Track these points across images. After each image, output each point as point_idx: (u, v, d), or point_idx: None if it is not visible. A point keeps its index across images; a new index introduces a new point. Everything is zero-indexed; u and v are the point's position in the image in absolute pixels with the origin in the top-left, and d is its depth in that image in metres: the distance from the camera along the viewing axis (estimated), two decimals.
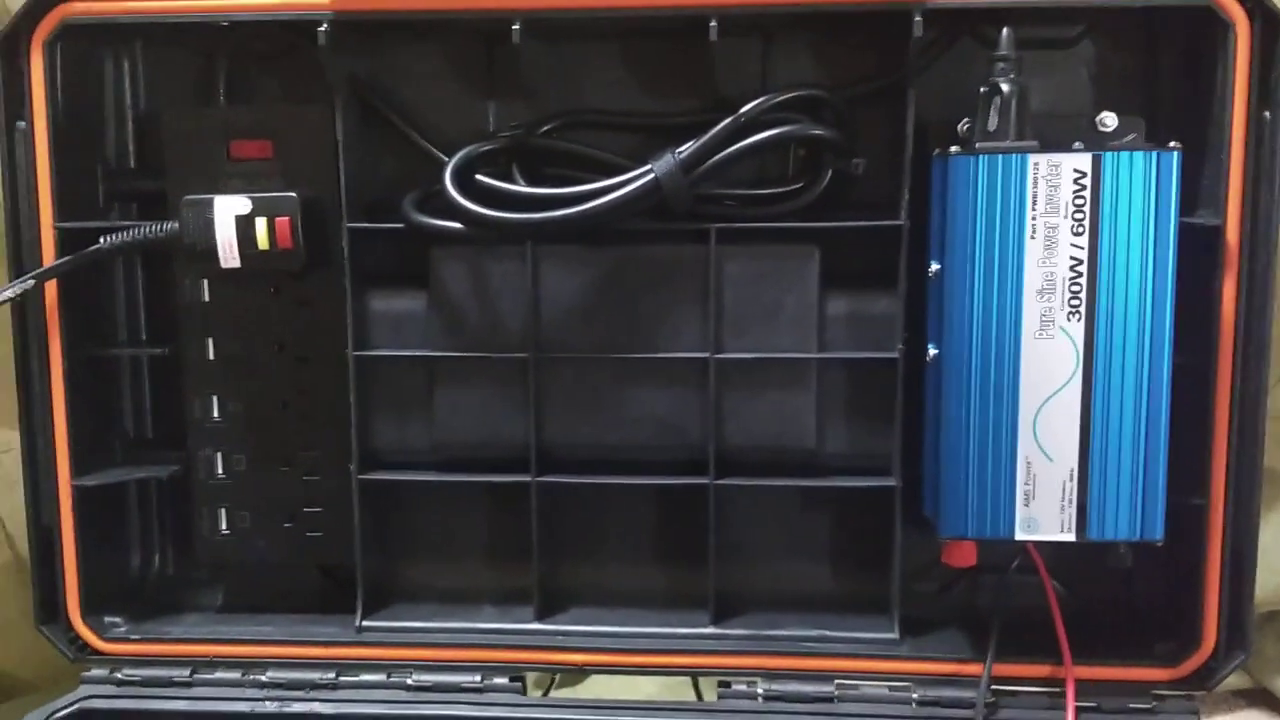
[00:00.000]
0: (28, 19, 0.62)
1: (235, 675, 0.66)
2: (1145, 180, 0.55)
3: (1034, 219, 0.55)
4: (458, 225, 0.62)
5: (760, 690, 0.63)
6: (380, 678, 0.65)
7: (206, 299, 0.67)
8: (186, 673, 0.66)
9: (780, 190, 0.63)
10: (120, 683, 0.66)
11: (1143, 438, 0.56)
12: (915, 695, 0.62)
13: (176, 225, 0.63)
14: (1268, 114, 0.57)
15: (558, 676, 0.76)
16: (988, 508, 0.57)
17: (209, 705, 0.65)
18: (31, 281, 0.63)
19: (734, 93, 0.61)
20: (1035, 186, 0.55)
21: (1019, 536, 0.58)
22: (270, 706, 0.65)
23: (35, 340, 0.64)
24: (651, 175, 0.59)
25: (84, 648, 0.67)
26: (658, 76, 0.65)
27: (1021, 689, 0.62)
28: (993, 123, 0.56)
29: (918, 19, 0.57)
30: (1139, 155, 0.55)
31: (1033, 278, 0.56)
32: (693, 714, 0.64)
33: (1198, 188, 0.59)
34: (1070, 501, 0.57)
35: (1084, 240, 0.55)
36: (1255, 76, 0.57)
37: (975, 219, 0.56)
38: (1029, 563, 0.62)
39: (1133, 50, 0.63)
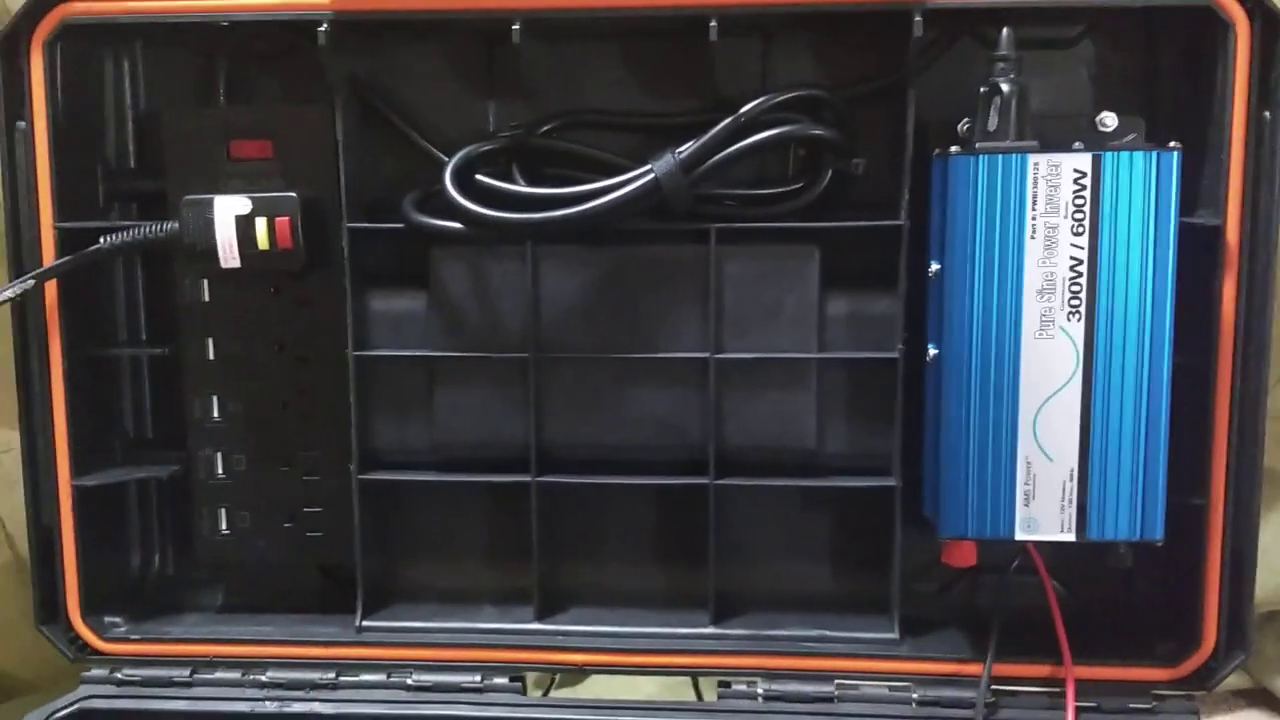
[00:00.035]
0: (28, 19, 0.62)
1: (235, 675, 0.66)
2: (1145, 180, 0.55)
3: (1034, 219, 0.55)
4: (458, 225, 0.62)
5: (760, 690, 0.63)
6: (380, 678, 0.65)
7: (206, 299, 0.67)
8: (186, 673, 0.66)
9: (780, 190, 0.63)
10: (120, 683, 0.66)
11: (1143, 438, 0.56)
12: (915, 695, 0.62)
13: (176, 225, 0.63)
14: (1268, 114, 0.57)
15: (558, 676, 0.76)
16: (988, 508, 0.57)
17: (209, 705, 0.65)
18: (31, 281, 0.63)
19: (734, 93, 0.61)
20: (1035, 186, 0.55)
21: (1019, 536, 0.58)
22: (270, 706, 0.65)
23: (35, 340, 0.64)
24: (651, 175, 0.59)
25: (84, 648, 0.67)
26: (658, 76, 0.65)
27: (1021, 689, 0.62)
28: (993, 123, 0.56)
29: (918, 19, 0.57)
30: (1139, 155, 0.55)
31: (1033, 278, 0.56)
32: (693, 714, 0.64)
33: (1198, 188, 0.59)
34: (1070, 501, 0.57)
35: (1084, 240, 0.55)
36: (1255, 76, 0.57)
37: (975, 219, 0.56)
38: (1029, 563, 0.62)
39: (1133, 50, 0.63)
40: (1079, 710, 0.60)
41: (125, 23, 0.62)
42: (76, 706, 0.64)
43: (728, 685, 0.64)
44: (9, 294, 0.62)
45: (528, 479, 0.65)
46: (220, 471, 0.68)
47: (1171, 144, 0.55)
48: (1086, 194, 0.55)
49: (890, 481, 0.63)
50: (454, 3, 0.60)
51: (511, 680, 0.65)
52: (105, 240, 0.63)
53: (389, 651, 0.66)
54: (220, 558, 0.69)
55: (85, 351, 0.66)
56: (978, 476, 0.57)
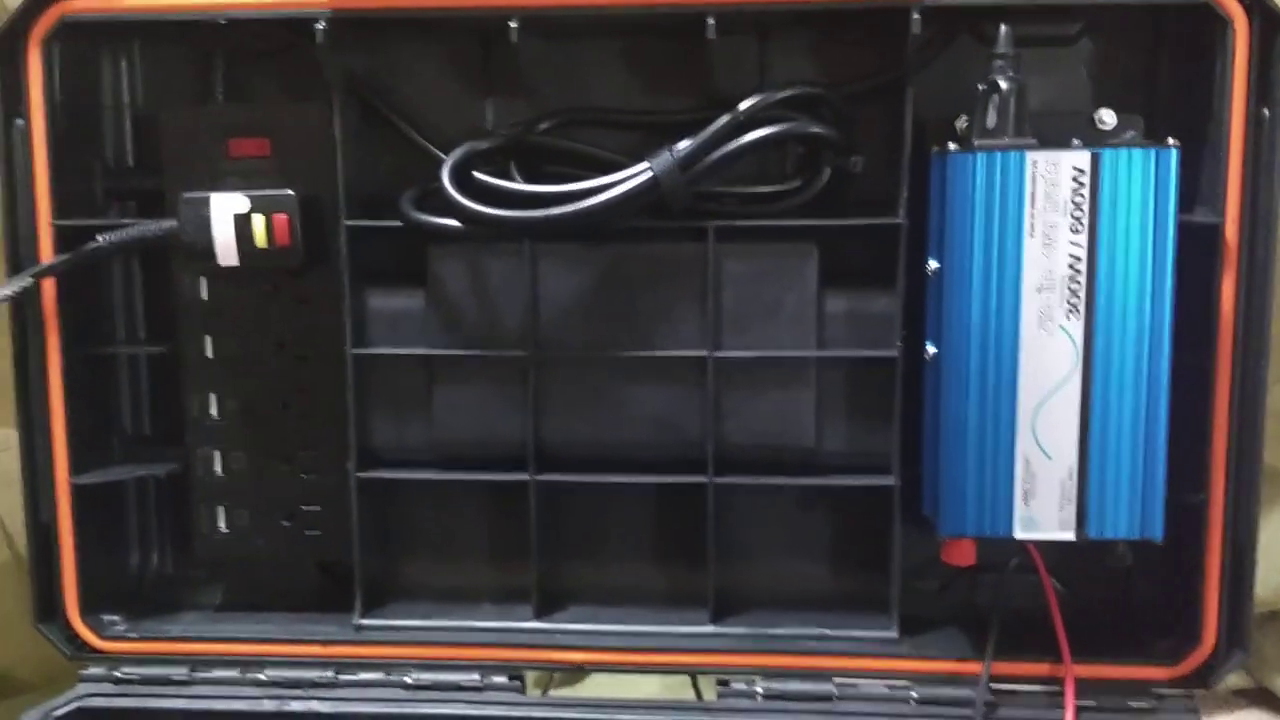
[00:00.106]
0: (26, 17, 0.62)
1: (234, 674, 0.66)
2: (1144, 178, 0.55)
3: (1033, 217, 0.55)
4: (456, 223, 0.61)
5: (759, 689, 0.63)
6: (379, 676, 0.65)
7: (205, 297, 0.67)
8: (185, 671, 0.66)
9: (779, 188, 0.62)
10: (119, 681, 0.66)
11: (1142, 436, 0.56)
12: (914, 694, 0.62)
13: (175, 223, 0.63)
14: (1266, 111, 0.57)
15: (557, 675, 0.76)
16: (987, 506, 0.57)
17: (208, 704, 0.65)
18: (30, 279, 0.63)
19: (732, 90, 0.61)
20: (1034, 184, 0.55)
21: (1018, 535, 0.57)
22: (269, 705, 0.65)
23: (33, 338, 0.64)
24: (649, 173, 0.59)
25: (82, 646, 0.67)
26: (655, 74, 0.65)
27: (1021, 688, 0.62)
28: (991, 120, 0.56)
29: (916, 16, 0.57)
30: (1138, 153, 0.55)
31: (1031, 275, 0.56)
32: (692, 713, 0.64)
33: (1197, 185, 0.59)
34: (1069, 500, 0.57)
35: (1083, 238, 0.55)
36: (1254, 74, 0.57)
37: (974, 217, 0.56)
38: (1028, 561, 0.62)
39: (1131, 48, 0.63)
40: (1078, 709, 0.60)
41: (124, 20, 0.62)
42: (75, 705, 0.64)
43: (727, 684, 0.64)
44: (7, 292, 0.62)
45: (526, 477, 0.65)
46: (219, 470, 0.68)
47: (1170, 141, 0.55)
48: (1085, 192, 0.55)
49: (889, 480, 0.63)
50: (452, 0, 0.60)
51: (510, 679, 0.65)
52: (103, 238, 0.63)
53: (387, 650, 0.66)
54: (219, 556, 0.69)
55: (83, 349, 0.66)
56: (977, 475, 0.57)
